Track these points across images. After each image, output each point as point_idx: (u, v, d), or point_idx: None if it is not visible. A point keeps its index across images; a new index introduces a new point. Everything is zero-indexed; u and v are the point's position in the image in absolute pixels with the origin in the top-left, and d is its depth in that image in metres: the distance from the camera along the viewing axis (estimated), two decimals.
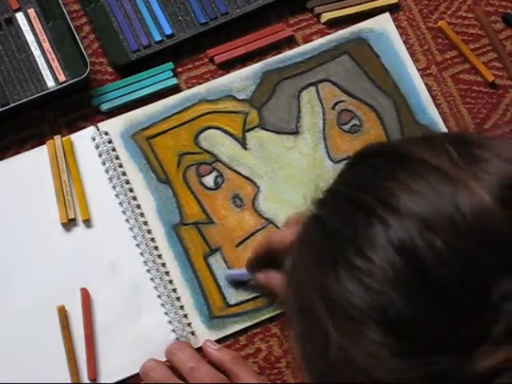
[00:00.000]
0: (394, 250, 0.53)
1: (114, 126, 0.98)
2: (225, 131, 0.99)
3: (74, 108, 0.99)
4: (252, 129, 0.99)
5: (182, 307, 0.93)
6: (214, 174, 0.98)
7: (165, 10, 1.02)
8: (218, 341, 0.93)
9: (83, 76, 0.96)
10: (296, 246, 0.62)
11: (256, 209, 0.97)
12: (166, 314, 0.93)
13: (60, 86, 0.96)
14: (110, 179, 0.96)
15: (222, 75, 1.01)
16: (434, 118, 1.02)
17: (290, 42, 1.03)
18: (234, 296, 0.94)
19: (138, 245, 0.94)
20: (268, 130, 1.00)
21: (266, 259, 0.91)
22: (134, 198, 0.96)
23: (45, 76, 0.97)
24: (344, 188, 0.60)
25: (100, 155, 0.97)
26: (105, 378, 0.91)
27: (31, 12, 0.99)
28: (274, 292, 0.91)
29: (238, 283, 0.94)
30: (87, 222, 0.95)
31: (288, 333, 0.60)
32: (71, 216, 0.94)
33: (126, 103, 0.99)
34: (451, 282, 0.52)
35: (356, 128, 1.01)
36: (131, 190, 0.96)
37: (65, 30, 0.98)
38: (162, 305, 0.93)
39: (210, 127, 0.99)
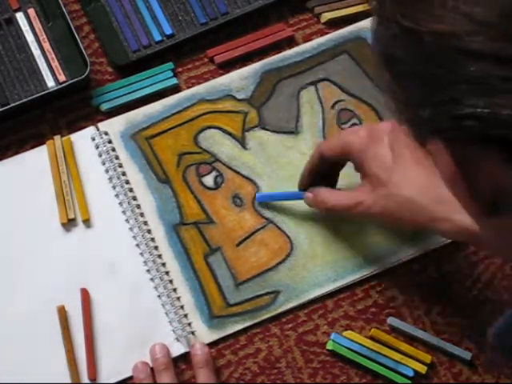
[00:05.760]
0: None
1: (114, 125, 0.98)
2: (224, 131, 0.99)
3: (73, 108, 0.99)
4: (251, 128, 0.99)
5: (182, 307, 0.93)
6: (214, 173, 0.98)
7: (165, 9, 1.02)
8: (218, 340, 0.93)
9: (83, 76, 0.96)
10: None
11: (256, 208, 0.97)
12: (166, 314, 0.93)
13: (60, 86, 0.96)
14: (110, 179, 0.96)
15: (221, 75, 1.01)
16: None
17: (290, 42, 1.03)
18: (234, 295, 0.94)
19: (137, 245, 0.94)
20: (267, 130, 0.99)
21: (315, 177, 0.94)
22: (134, 198, 0.96)
23: (45, 76, 0.97)
24: None
25: (100, 155, 0.97)
26: (105, 378, 0.91)
27: (31, 12, 0.99)
28: (323, 208, 0.93)
29: (239, 283, 0.94)
30: (87, 222, 0.95)
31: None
32: (71, 216, 0.94)
33: (125, 103, 0.99)
34: None
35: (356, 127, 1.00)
36: (131, 190, 0.96)
37: (65, 30, 0.98)
38: (162, 305, 0.93)
39: (209, 127, 0.99)
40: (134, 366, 0.90)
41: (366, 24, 1.03)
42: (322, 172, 0.94)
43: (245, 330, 0.94)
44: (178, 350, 0.92)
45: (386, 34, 0.54)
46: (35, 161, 0.96)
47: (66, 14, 0.98)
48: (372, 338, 0.94)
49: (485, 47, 0.49)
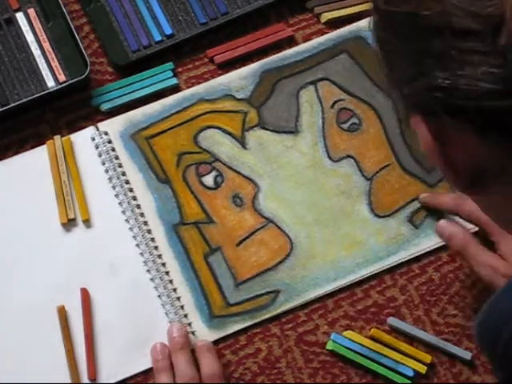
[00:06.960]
0: None
1: (114, 126, 0.98)
2: (224, 131, 0.99)
3: (73, 108, 0.99)
4: (251, 128, 0.99)
5: (182, 307, 0.93)
6: (214, 173, 0.98)
7: (165, 9, 1.02)
8: (218, 340, 0.93)
9: (83, 76, 0.96)
10: None
11: (256, 208, 0.97)
12: (166, 314, 0.93)
13: (60, 86, 0.97)
14: (110, 179, 0.96)
15: (221, 75, 1.01)
16: None
17: (290, 42, 1.03)
18: (234, 295, 0.94)
19: (137, 245, 0.94)
20: (267, 130, 0.99)
21: None
22: (134, 198, 0.96)
23: (45, 76, 0.98)
24: None
25: (100, 155, 0.97)
26: (105, 378, 0.91)
27: (31, 12, 0.99)
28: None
29: (239, 283, 0.94)
30: (87, 222, 0.95)
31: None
32: (71, 216, 0.95)
33: (125, 103, 0.99)
34: None
35: (355, 126, 1.00)
36: (131, 190, 0.96)
37: (65, 30, 0.99)
38: (162, 305, 0.93)
39: (209, 127, 0.99)
40: (153, 346, 0.91)
41: (366, 23, 1.03)
42: None
43: (245, 329, 0.94)
44: None
45: (374, 18, 0.60)
46: (35, 161, 0.96)
47: (66, 14, 0.98)
48: (372, 338, 0.94)
49: (442, 22, 0.53)
